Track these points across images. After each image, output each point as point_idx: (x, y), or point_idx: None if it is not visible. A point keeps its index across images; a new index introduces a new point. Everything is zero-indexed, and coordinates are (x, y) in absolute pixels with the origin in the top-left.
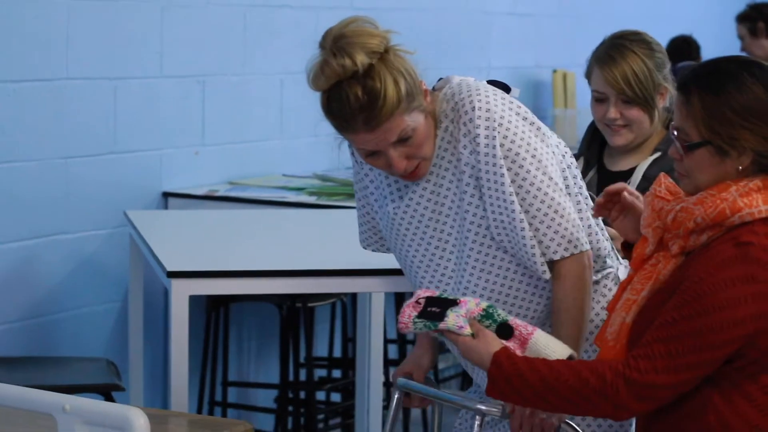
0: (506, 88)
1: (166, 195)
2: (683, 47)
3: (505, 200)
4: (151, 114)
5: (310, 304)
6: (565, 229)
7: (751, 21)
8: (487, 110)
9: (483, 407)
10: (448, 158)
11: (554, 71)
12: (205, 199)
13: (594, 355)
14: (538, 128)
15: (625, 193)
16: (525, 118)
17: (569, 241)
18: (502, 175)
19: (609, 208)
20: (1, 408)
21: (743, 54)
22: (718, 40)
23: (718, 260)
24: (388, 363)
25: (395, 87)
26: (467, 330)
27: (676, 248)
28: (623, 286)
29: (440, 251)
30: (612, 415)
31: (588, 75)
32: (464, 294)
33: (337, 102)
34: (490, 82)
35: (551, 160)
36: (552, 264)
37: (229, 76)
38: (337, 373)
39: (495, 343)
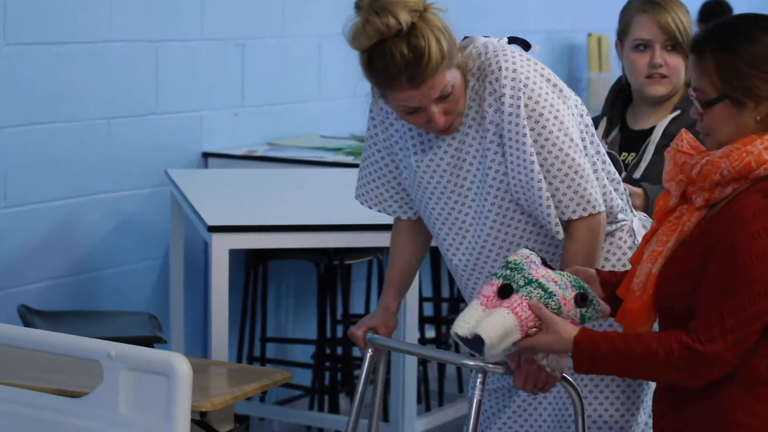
0: (527, 45)
1: (206, 155)
2: (716, 10)
3: (525, 159)
4: (192, 76)
5: (346, 262)
6: (584, 189)
7: None
8: (514, 71)
9: (487, 365)
10: (472, 116)
11: (589, 35)
12: (244, 159)
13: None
14: (561, 90)
15: None
16: (548, 80)
17: (588, 201)
18: (525, 135)
19: None
20: (50, 355)
21: None
22: (752, 3)
23: (748, 213)
24: (423, 320)
25: (438, 44)
26: (532, 328)
27: (701, 201)
28: (647, 239)
29: (459, 205)
30: (687, 382)
31: (625, 27)
32: (483, 247)
33: (381, 60)
34: (511, 39)
35: (572, 122)
36: (567, 223)
37: (268, 39)
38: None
39: (569, 327)
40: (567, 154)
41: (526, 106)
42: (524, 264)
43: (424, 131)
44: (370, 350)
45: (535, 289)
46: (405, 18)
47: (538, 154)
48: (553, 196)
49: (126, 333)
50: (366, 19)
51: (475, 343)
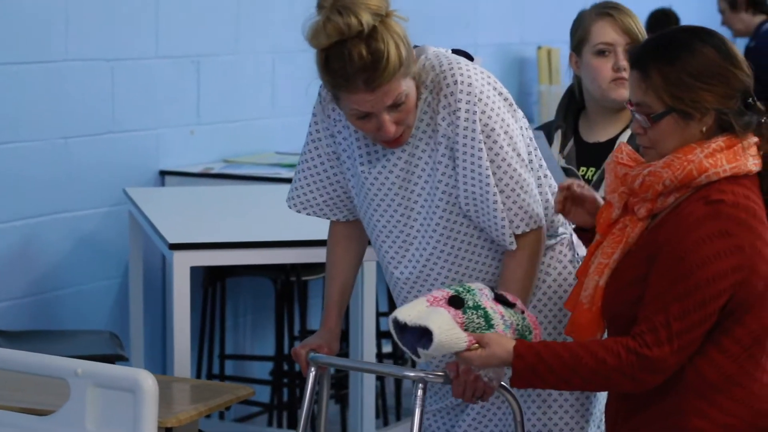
0: (470, 57)
1: (163, 173)
2: (662, 20)
3: (480, 173)
4: (148, 94)
5: (303, 278)
6: (528, 204)
7: None
8: (469, 84)
9: (426, 375)
10: (423, 128)
11: (539, 48)
12: (201, 177)
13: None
14: (510, 104)
15: (575, 187)
16: (500, 93)
17: (530, 216)
18: (480, 149)
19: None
20: (15, 374)
21: (724, 27)
22: (698, 13)
23: (691, 220)
24: (380, 335)
25: (397, 50)
26: (474, 344)
27: (644, 211)
28: (591, 251)
29: (405, 218)
30: (631, 389)
31: (584, 34)
32: (427, 260)
33: (338, 60)
34: (454, 51)
35: (519, 136)
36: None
37: (222, 56)
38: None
39: (504, 340)
40: (515, 170)
41: (480, 120)
42: (477, 291)
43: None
44: (312, 369)
45: (478, 316)
46: (367, 19)
47: (489, 167)
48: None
49: (89, 351)
50: (327, 18)
51: (416, 335)
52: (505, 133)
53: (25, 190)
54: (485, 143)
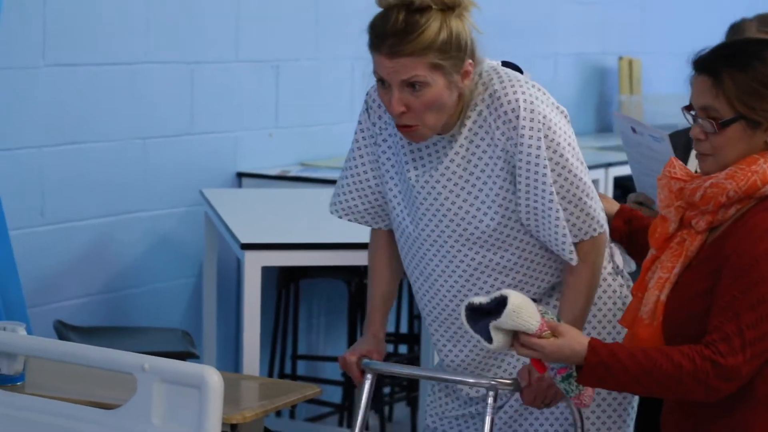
0: (519, 70)
1: (240, 175)
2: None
3: (545, 190)
4: (226, 97)
5: None
6: (595, 210)
7: None
8: (531, 103)
9: (498, 381)
10: (478, 141)
11: (620, 58)
12: (278, 179)
13: (605, 335)
14: (566, 115)
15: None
16: (558, 107)
17: (597, 222)
18: (545, 167)
19: None
20: (85, 368)
21: None
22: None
23: (760, 231)
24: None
25: (435, 36)
26: (546, 331)
27: (704, 224)
28: (647, 267)
29: (455, 225)
30: (704, 397)
31: None
32: (475, 269)
33: (381, 19)
34: (503, 63)
35: (577, 145)
36: (575, 246)
37: (302, 61)
38: (403, 349)
39: (578, 333)
40: (581, 179)
41: (546, 137)
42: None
43: (421, 147)
44: (369, 376)
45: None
46: None
47: (555, 182)
48: (567, 220)
49: (159, 348)
50: None
51: (490, 308)
52: (569, 144)
53: (103, 189)
54: (551, 158)
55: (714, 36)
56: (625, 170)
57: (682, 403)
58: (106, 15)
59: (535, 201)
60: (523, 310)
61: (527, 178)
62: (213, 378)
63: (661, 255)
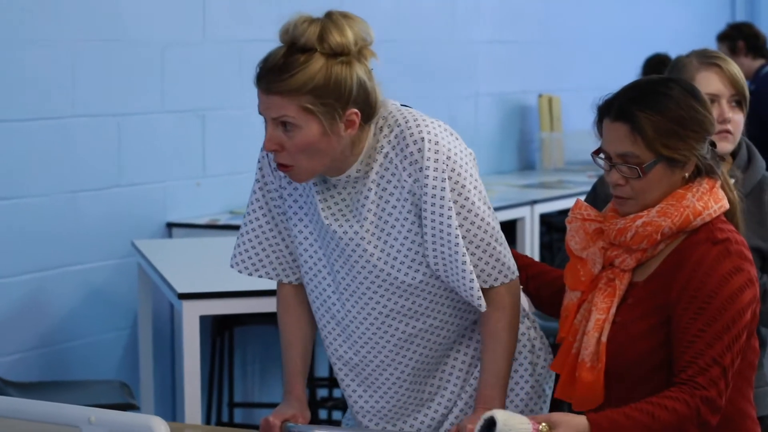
0: None
1: (170, 225)
2: (658, 67)
3: (450, 233)
4: (154, 148)
5: None
6: (504, 256)
7: (731, 40)
8: (436, 143)
9: None
10: (385, 184)
11: (540, 95)
12: (208, 228)
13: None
14: (474, 157)
15: None
16: (462, 150)
17: (508, 267)
18: (450, 208)
19: None
20: (27, 423)
21: None
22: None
23: (708, 262)
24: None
25: (309, 79)
26: (542, 424)
27: (632, 262)
28: (574, 310)
29: (367, 272)
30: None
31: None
32: (387, 316)
33: (268, 54)
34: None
35: (484, 189)
36: (488, 292)
37: (227, 110)
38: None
39: (571, 416)
40: (488, 223)
41: (450, 178)
42: None
43: (333, 191)
44: None
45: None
46: (309, 37)
47: (461, 226)
48: (475, 266)
49: (100, 401)
50: (298, 22)
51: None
52: (475, 188)
53: (34, 244)
54: (456, 201)
55: (630, 70)
56: (549, 207)
57: None
58: (31, 72)
59: (442, 245)
60: (512, 420)
61: (433, 221)
62: (161, 429)
63: (587, 297)
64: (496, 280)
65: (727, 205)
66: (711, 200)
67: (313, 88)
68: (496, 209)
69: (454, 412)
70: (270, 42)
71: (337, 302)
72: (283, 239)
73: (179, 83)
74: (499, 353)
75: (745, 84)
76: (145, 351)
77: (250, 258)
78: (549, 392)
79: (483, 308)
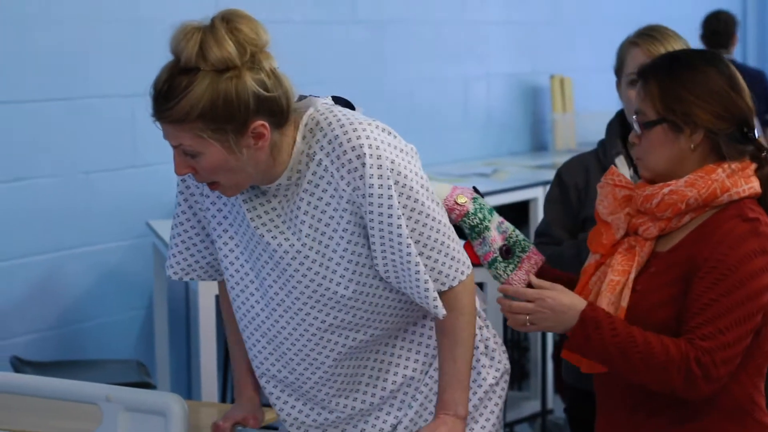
0: (350, 106)
1: None
2: (712, 21)
3: (400, 243)
4: None
5: None
6: (458, 251)
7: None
8: (377, 147)
9: None
10: (320, 194)
11: (551, 76)
12: None
13: None
14: (415, 152)
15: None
16: (403, 149)
17: (463, 263)
18: (399, 216)
19: None
20: (46, 401)
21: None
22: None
23: (734, 236)
24: None
25: (194, 104)
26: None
27: (655, 231)
28: (590, 272)
29: (308, 280)
30: (681, 388)
31: (620, 62)
32: (330, 324)
33: (157, 75)
34: (335, 98)
35: (428, 182)
36: (445, 295)
37: None
38: None
39: (575, 300)
40: (440, 221)
41: (396, 183)
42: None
43: (262, 199)
44: None
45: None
46: (190, 53)
47: (413, 230)
48: (432, 269)
49: (117, 380)
50: (191, 34)
51: None
52: (422, 186)
53: (49, 224)
54: (406, 205)
55: None
56: None
57: (638, 407)
58: (43, 50)
59: (392, 254)
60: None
61: (381, 230)
62: (177, 405)
63: (605, 261)
64: (453, 279)
65: (758, 189)
66: (741, 180)
67: (201, 114)
68: (509, 190)
69: (404, 422)
70: (291, 26)
71: (268, 319)
72: (213, 241)
73: None
74: (458, 353)
75: None
76: (161, 330)
77: (179, 263)
78: (503, 393)
79: (441, 315)
